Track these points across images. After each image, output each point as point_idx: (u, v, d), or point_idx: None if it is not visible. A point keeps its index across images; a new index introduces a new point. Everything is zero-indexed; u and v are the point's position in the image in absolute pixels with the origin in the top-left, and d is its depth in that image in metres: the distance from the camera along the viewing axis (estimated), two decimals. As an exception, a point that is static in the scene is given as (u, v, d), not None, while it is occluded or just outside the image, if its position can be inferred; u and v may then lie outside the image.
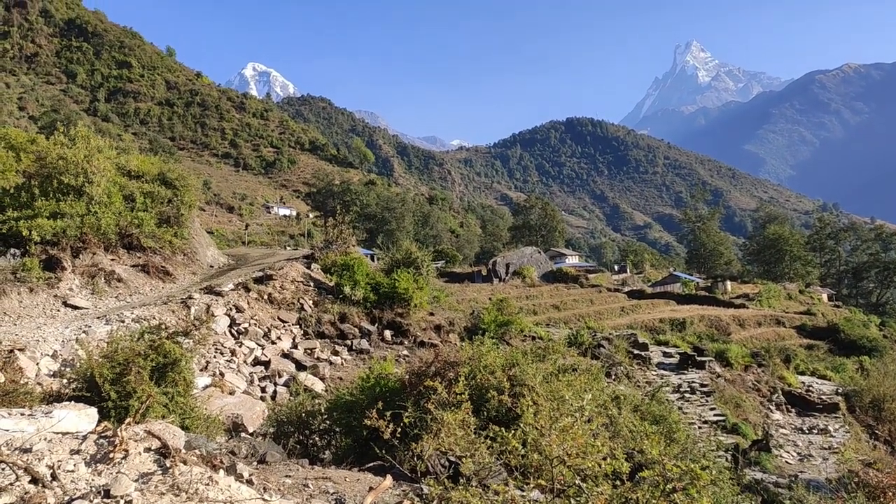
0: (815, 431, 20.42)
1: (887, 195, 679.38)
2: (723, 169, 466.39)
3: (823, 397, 23.52)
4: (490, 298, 32.07)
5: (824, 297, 74.14)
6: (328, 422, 9.92)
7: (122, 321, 14.02)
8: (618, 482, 5.99)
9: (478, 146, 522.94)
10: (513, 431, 6.56)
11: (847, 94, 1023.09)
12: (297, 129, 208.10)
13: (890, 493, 9.96)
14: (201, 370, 13.43)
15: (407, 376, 9.35)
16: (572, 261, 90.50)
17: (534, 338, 21.94)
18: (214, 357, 14.62)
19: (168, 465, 4.57)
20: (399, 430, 7.01)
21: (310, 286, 20.44)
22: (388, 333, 19.29)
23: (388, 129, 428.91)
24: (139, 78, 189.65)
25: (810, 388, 24.72)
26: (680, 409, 17.81)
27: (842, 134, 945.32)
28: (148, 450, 4.74)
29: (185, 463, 4.66)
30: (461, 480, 6.06)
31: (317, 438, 10.00)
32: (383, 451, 7.03)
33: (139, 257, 19.79)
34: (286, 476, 6.11)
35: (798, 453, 18.11)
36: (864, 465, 13.86)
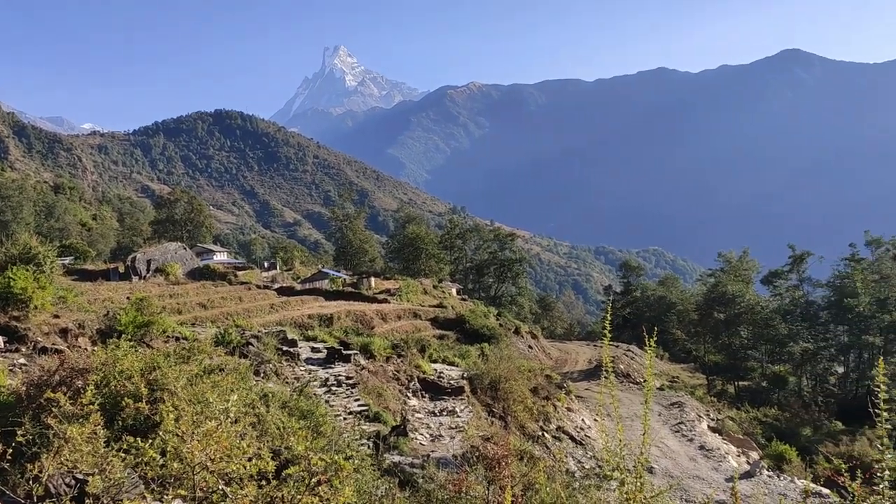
0: (445, 413, 22.57)
1: (504, 200, 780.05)
2: (368, 171, 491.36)
3: (452, 382, 26.08)
4: (129, 298, 29.56)
5: (454, 291, 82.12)
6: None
7: None
8: (264, 482, 5.92)
9: (115, 132, 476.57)
10: (151, 440, 6.11)
11: (472, 109, 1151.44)
12: None
13: (503, 463, 11.41)
14: None
15: (24, 388, 8.17)
16: (221, 257, 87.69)
17: (178, 338, 20.77)
18: None
19: None
20: (11, 450, 6.07)
21: None
22: (0, 340, 16.68)
23: (1, 105, 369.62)
24: None
25: (441, 375, 27.25)
26: (327, 402, 18.32)
27: (468, 144, 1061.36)
28: None
29: None
30: (87, 500, 5.46)
31: None
32: (-10, 478, 6.03)
33: None
34: None
35: (431, 434, 19.83)
36: (483, 440, 15.70)
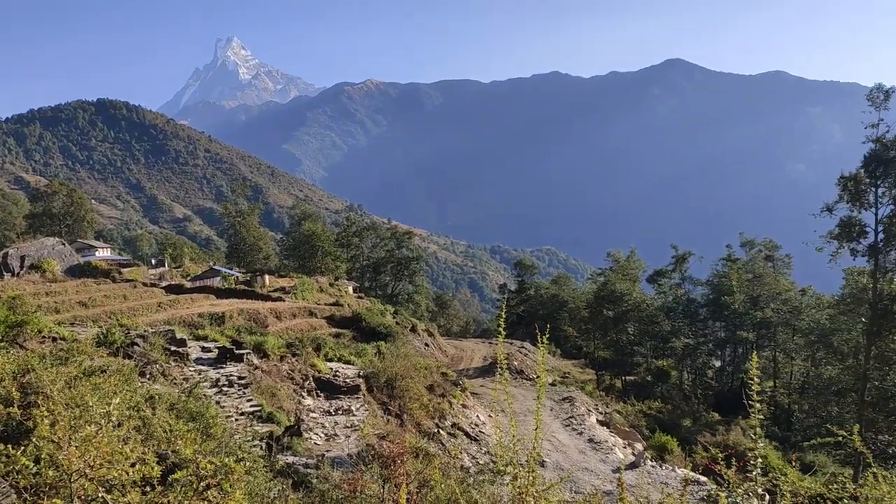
0: (341, 412, 22.36)
1: (401, 199, 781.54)
2: (263, 166, 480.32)
3: (348, 380, 25.86)
4: None
5: (350, 289, 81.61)
6: None
7: None
8: (148, 488, 5.68)
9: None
10: (23, 447, 5.74)
11: (370, 106, 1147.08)
12: None
13: (399, 461, 11.42)
14: None
15: None
16: (104, 254, 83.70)
17: (55, 339, 19.58)
18: None
19: None
20: None
21: None
22: None
23: None
24: None
25: (337, 373, 26.98)
26: (218, 403, 17.76)
27: (366, 142, 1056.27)
28: None
29: None
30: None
31: None
32: None
33: None
34: None
35: (326, 434, 19.60)
36: (379, 439, 15.65)
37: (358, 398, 24.34)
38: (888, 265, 38.71)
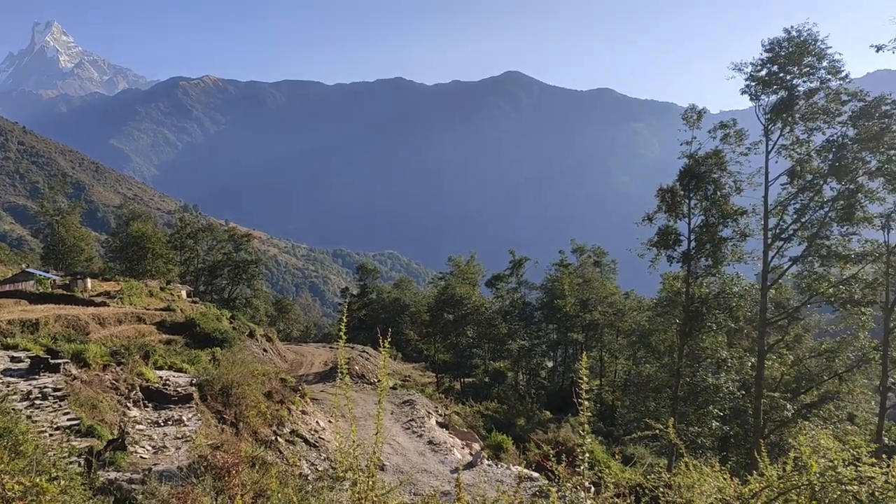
0: (171, 423, 21.19)
1: (241, 200, 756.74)
2: (86, 162, 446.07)
3: (179, 389, 24.56)
4: None
5: (184, 293, 77.74)
6: None
7: None
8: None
9: None
10: None
11: (208, 103, 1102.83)
12: None
13: (233, 471, 10.98)
14: None
15: None
16: None
17: None
18: None
19: None
20: None
21: None
22: None
23: None
24: None
25: (168, 382, 25.55)
26: (30, 417, 16.27)
27: (203, 140, 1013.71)
28: None
29: None
30: None
31: None
32: None
33: None
34: None
35: (153, 447, 18.48)
36: (212, 449, 14.97)
37: (190, 407, 23.20)
38: (699, 271, 42.24)
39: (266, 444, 23.34)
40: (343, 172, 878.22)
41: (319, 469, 22.41)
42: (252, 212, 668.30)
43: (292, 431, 27.39)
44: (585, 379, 7.88)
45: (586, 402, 7.46)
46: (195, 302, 72.60)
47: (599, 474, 8.14)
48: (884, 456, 8.10)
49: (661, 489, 8.65)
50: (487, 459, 28.44)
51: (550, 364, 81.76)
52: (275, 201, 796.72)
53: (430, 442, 30.33)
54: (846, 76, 36.41)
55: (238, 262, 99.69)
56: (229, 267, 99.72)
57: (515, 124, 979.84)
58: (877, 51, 33.18)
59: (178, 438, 19.59)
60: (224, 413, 24.69)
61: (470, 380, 72.78)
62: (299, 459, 23.27)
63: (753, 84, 38.25)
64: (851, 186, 35.64)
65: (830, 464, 7.61)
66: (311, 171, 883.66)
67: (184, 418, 21.87)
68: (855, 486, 7.30)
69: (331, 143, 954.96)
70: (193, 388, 25.06)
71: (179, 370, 29.28)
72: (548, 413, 59.46)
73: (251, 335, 57.96)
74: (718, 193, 40.38)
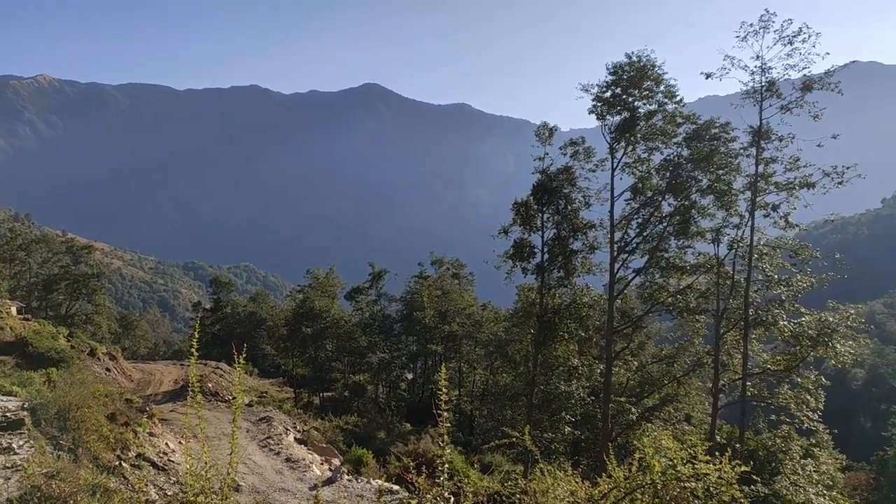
0: (-1, 452, 19.37)
1: (82, 210, 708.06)
2: None
3: (9, 414, 22.48)
4: None
5: (13, 310, 71.49)
6: None
7: None
8: None
9: None
10: None
11: (42, 105, 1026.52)
12: None
13: (71, 501, 10.18)
14: None
15: None
16: None
17: None
18: None
19: None
20: None
21: None
22: None
23: None
24: None
25: (-5, 407, 23.37)
26: None
27: (37, 145, 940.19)
28: None
29: None
30: None
31: None
32: None
33: None
34: None
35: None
36: (47, 478, 13.82)
37: (21, 434, 21.28)
38: (552, 282, 43.93)
39: (109, 471, 21.79)
40: (194, 180, 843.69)
41: (169, 494, 21.23)
42: (93, 222, 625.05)
43: (139, 455, 25.78)
44: (445, 390, 7.95)
45: (445, 413, 7.53)
46: (27, 319, 67.05)
47: (459, 484, 8.24)
48: (716, 453, 8.76)
49: (518, 495, 8.87)
50: (348, 474, 28.08)
51: (410, 376, 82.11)
52: (119, 212, 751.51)
53: (287, 459, 29.54)
54: (681, 100, 39.36)
55: (77, 276, 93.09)
56: (67, 281, 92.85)
57: (374, 136, 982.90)
58: (706, 77, 36.37)
59: (8, 468, 17.91)
60: (61, 438, 22.83)
61: (329, 394, 71.64)
62: (146, 485, 21.93)
63: (599, 105, 40.45)
64: (686, 203, 38.52)
65: (671, 463, 8.14)
66: (160, 181, 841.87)
67: (14, 446, 20.02)
68: (692, 483, 7.86)
69: (181, 149, 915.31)
70: (25, 413, 23.02)
71: (9, 393, 26.82)
72: (408, 425, 59.56)
73: (92, 354, 54.19)
74: (569, 208, 42.31)
